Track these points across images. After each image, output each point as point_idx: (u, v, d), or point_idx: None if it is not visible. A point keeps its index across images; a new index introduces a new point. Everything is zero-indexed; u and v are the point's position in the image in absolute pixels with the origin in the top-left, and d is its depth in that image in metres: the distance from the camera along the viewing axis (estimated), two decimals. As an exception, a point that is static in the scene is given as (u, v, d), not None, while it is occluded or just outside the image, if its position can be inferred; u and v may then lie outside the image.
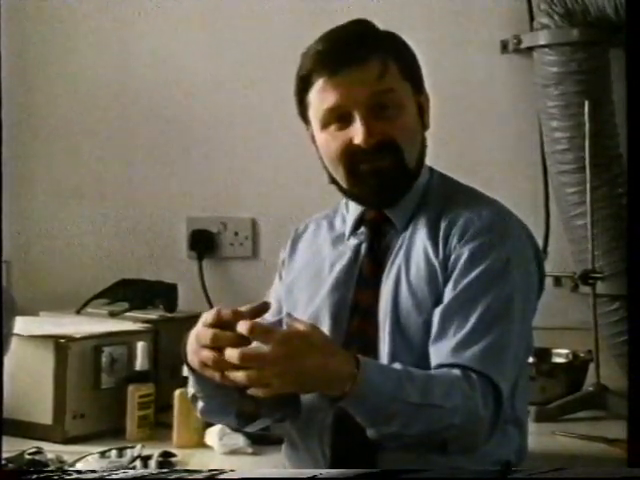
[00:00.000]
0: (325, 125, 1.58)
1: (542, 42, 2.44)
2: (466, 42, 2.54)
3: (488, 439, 1.49)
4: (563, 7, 2.40)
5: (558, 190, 2.47)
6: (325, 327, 1.61)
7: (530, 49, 2.48)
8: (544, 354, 2.31)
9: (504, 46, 2.53)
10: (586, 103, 2.34)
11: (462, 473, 1.49)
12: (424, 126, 1.63)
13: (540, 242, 2.41)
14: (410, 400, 1.41)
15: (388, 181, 1.58)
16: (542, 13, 2.45)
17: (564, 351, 2.36)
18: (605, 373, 2.26)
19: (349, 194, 1.64)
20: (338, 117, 1.56)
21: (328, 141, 1.58)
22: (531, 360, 1.99)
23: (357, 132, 1.54)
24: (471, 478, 1.47)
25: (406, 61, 1.60)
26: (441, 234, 1.57)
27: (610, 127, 2.41)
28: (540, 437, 1.97)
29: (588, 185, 2.33)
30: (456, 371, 1.47)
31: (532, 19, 2.49)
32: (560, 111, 2.42)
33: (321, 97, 1.56)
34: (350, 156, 1.57)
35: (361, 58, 1.54)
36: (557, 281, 2.48)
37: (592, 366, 2.28)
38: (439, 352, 1.51)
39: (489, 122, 2.56)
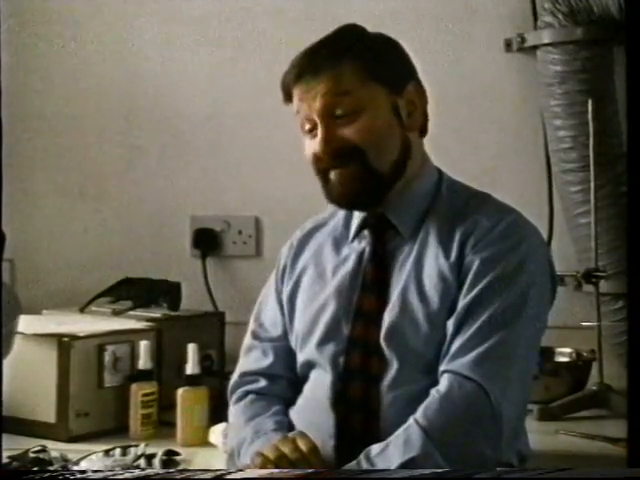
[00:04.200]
0: (303, 132, 1.62)
1: (546, 41, 2.44)
2: (470, 41, 2.54)
3: (494, 443, 1.50)
4: (567, 6, 2.40)
5: (562, 189, 2.47)
6: (325, 331, 1.62)
7: (534, 48, 2.48)
8: (547, 353, 2.31)
9: (508, 45, 2.53)
10: (590, 102, 2.33)
11: (462, 473, 1.49)
12: (405, 127, 1.61)
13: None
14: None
15: (353, 185, 1.59)
16: (546, 12, 2.45)
17: (567, 350, 2.36)
18: (608, 372, 2.25)
19: (326, 198, 1.66)
20: (310, 126, 1.60)
21: (305, 147, 1.63)
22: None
23: (317, 141, 1.59)
24: (471, 478, 1.47)
25: (378, 62, 1.59)
26: (455, 242, 1.57)
27: (614, 126, 2.41)
28: (543, 436, 1.97)
29: (592, 184, 2.32)
30: (417, 416, 1.49)
31: (536, 18, 2.49)
32: (564, 110, 2.41)
33: (296, 107, 1.61)
34: (317, 163, 1.61)
35: (317, 67, 1.58)
36: (560, 280, 2.46)
37: (595, 365, 2.27)
38: (442, 359, 1.53)
39: (493, 121, 2.56)
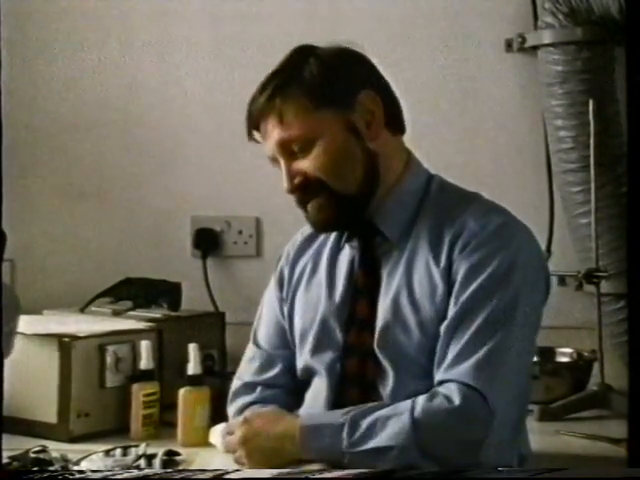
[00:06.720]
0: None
1: (546, 41, 2.44)
2: (470, 41, 2.54)
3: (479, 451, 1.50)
4: (567, 6, 2.40)
5: (562, 189, 2.47)
6: (319, 338, 1.63)
7: (534, 48, 2.48)
8: (548, 353, 2.31)
9: (508, 45, 2.53)
10: (591, 102, 2.33)
11: (462, 473, 1.49)
12: (366, 139, 1.59)
13: (544, 240, 2.41)
14: (353, 450, 1.48)
15: (327, 213, 1.61)
16: (546, 12, 2.45)
17: (568, 350, 2.36)
18: (609, 372, 2.26)
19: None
20: (278, 164, 1.62)
21: None
22: (535, 359, 2.00)
23: (283, 178, 1.61)
24: (471, 478, 1.47)
25: (321, 88, 1.58)
26: (445, 246, 1.56)
27: (615, 126, 2.41)
28: (544, 436, 1.97)
29: (592, 184, 2.32)
30: (422, 398, 1.49)
31: (536, 18, 2.49)
32: (565, 110, 2.41)
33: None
34: (292, 196, 1.63)
35: (263, 109, 1.60)
36: (561, 280, 2.48)
37: (596, 365, 2.28)
38: (438, 369, 1.52)
39: (493, 121, 2.55)
